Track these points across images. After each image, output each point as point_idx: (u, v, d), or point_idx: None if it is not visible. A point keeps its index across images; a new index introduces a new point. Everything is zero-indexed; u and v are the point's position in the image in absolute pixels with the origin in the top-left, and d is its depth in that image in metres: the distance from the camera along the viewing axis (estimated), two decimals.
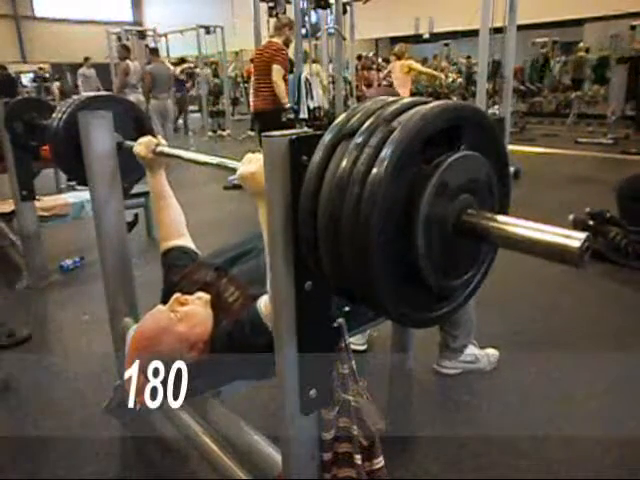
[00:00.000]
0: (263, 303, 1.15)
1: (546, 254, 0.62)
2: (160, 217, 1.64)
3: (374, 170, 0.63)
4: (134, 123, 1.84)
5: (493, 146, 0.77)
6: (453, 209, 0.69)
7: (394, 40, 12.32)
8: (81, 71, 8.42)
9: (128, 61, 7.56)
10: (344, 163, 0.66)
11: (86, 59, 10.29)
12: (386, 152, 0.63)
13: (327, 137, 0.71)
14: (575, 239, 0.59)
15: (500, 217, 0.69)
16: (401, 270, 0.68)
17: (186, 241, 1.64)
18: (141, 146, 1.55)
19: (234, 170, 1.12)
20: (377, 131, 0.66)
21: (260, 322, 1.13)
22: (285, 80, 4.64)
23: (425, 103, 0.70)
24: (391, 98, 0.74)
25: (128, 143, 1.68)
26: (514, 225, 0.66)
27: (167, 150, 1.54)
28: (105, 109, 1.64)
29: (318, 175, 0.70)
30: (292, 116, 4.62)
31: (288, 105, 4.62)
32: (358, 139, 0.67)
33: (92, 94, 1.85)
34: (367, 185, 0.63)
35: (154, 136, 1.60)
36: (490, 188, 0.75)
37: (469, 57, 12.42)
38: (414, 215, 0.65)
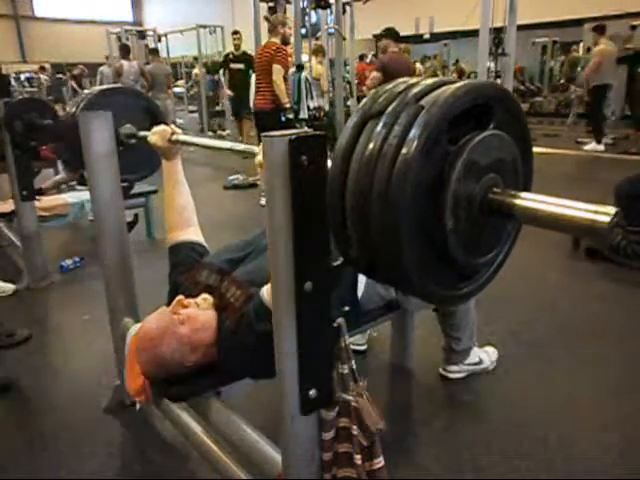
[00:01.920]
0: (266, 290, 1.15)
1: (575, 230, 0.63)
2: (171, 204, 1.61)
3: (404, 149, 0.63)
4: (146, 113, 1.83)
5: (518, 125, 0.77)
6: (480, 187, 0.69)
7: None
8: (101, 69, 8.50)
9: (122, 61, 7.54)
10: (372, 143, 0.66)
11: (107, 57, 10.31)
12: (415, 132, 0.63)
13: (353, 118, 0.70)
14: (604, 214, 0.59)
15: (526, 194, 0.69)
16: (429, 247, 0.69)
17: (195, 233, 1.62)
18: (156, 135, 1.54)
19: (245, 153, 1.16)
20: (405, 111, 0.65)
21: (265, 308, 1.13)
22: (285, 80, 4.63)
23: (450, 83, 0.70)
24: (414, 79, 0.74)
25: (142, 133, 1.68)
26: (541, 202, 0.65)
27: (183, 138, 1.54)
28: (118, 100, 1.67)
29: (345, 156, 0.69)
30: (292, 116, 4.60)
31: (288, 105, 4.61)
32: (386, 119, 0.66)
33: (106, 87, 1.85)
34: (397, 164, 0.63)
35: (167, 124, 1.60)
36: (515, 167, 0.75)
37: (457, 61, 12.56)
38: (443, 193, 0.65)
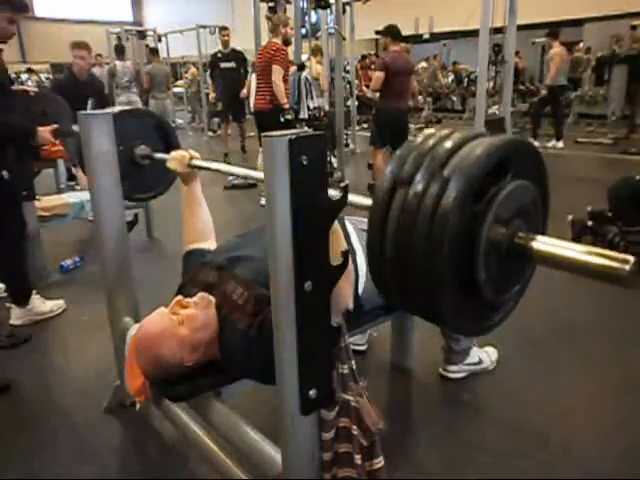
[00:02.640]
0: None
1: (596, 276, 0.68)
2: (189, 221, 1.65)
3: (439, 211, 0.70)
4: (158, 133, 1.88)
5: (538, 172, 0.84)
6: (507, 234, 0.75)
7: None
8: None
9: (116, 62, 7.48)
10: (406, 213, 0.73)
11: (99, 55, 10.28)
12: (446, 201, 0.70)
13: (384, 184, 0.77)
14: (625, 262, 0.64)
15: (548, 239, 0.74)
16: (463, 294, 0.76)
17: (210, 244, 1.63)
18: (175, 161, 1.58)
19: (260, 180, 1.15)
20: (433, 182, 0.72)
21: None
22: (285, 80, 4.62)
23: (471, 139, 0.76)
24: (438, 135, 0.79)
25: (159, 155, 1.72)
26: (564, 248, 0.71)
27: (201, 163, 1.57)
28: (132, 122, 1.74)
29: (381, 219, 0.76)
30: (290, 116, 4.59)
31: (287, 105, 4.60)
32: (416, 187, 0.73)
33: (119, 109, 1.88)
34: (435, 224, 0.70)
35: (177, 147, 1.61)
36: (536, 209, 0.82)
37: (455, 63, 12.65)
38: (475, 247, 0.73)
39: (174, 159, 1.58)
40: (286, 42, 4.65)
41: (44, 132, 2.38)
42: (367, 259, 0.82)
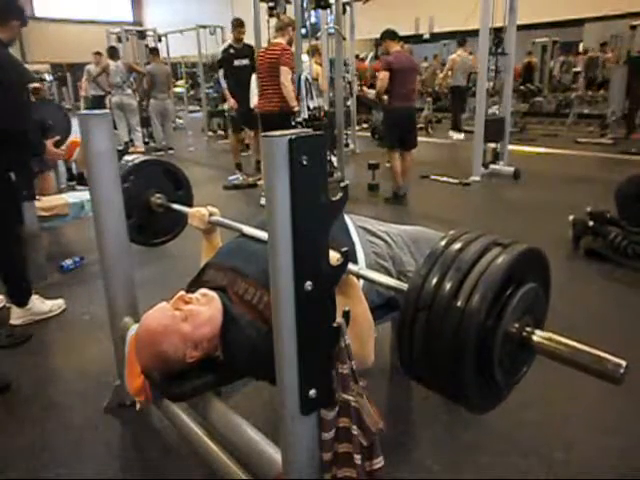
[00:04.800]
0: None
1: (591, 373, 0.80)
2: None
3: (468, 309, 0.82)
4: (172, 181, 1.96)
5: (543, 274, 0.96)
6: (518, 328, 0.87)
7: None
8: (88, 67, 8.53)
9: (110, 61, 7.43)
10: (441, 298, 0.84)
11: (98, 54, 10.29)
12: (474, 300, 0.81)
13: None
14: (618, 366, 0.76)
15: (552, 335, 0.87)
16: (480, 374, 0.87)
17: None
18: (196, 219, 1.66)
19: None
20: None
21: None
22: (292, 82, 4.49)
23: (489, 253, 0.86)
24: (454, 249, 0.89)
25: (176, 206, 1.82)
26: (565, 345, 0.84)
27: (220, 220, 1.65)
28: (149, 173, 1.87)
29: (416, 300, 0.87)
30: (300, 119, 4.49)
31: (297, 109, 4.51)
32: (449, 285, 0.84)
33: (142, 159, 1.94)
34: (464, 318, 0.82)
35: (189, 187, 1.66)
36: (540, 304, 0.95)
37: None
38: (493, 338, 0.84)
39: (194, 217, 1.67)
40: (290, 43, 4.60)
41: (50, 146, 2.59)
42: (396, 338, 0.93)
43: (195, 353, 1.26)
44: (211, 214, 1.66)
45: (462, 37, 8.61)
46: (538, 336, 0.88)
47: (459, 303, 0.82)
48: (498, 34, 5.59)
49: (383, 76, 4.58)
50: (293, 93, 4.46)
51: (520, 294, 0.87)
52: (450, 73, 8.69)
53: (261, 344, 1.19)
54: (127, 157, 1.93)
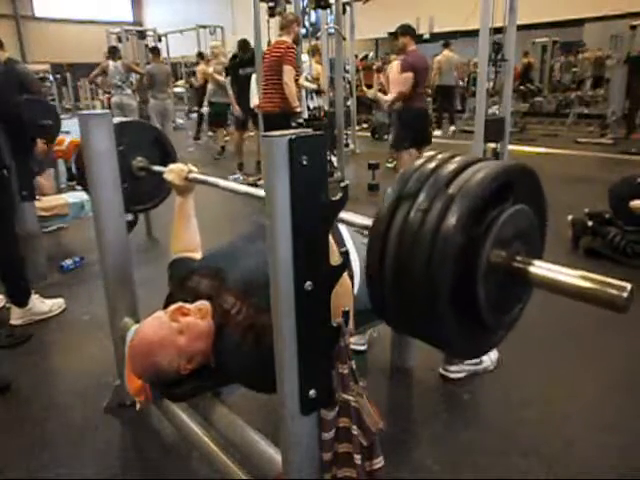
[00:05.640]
0: None
1: (593, 302, 0.68)
2: (179, 233, 1.66)
3: (442, 231, 0.70)
4: (157, 147, 1.89)
5: (537, 197, 0.86)
6: (506, 257, 0.76)
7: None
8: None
9: (109, 61, 7.39)
10: (410, 225, 0.73)
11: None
12: (450, 219, 0.70)
13: (388, 200, 0.77)
14: (622, 289, 0.65)
15: (547, 264, 0.75)
16: (462, 311, 0.76)
17: (196, 257, 1.62)
18: (173, 174, 1.58)
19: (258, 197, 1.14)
20: (438, 197, 0.72)
21: None
22: (296, 81, 4.44)
23: (474, 163, 0.76)
24: (440, 156, 0.80)
25: (156, 168, 1.73)
26: (562, 273, 0.72)
27: (199, 177, 1.58)
28: (129, 133, 1.74)
29: (384, 233, 0.76)
30: (302, 120, 4.44)
31: (299, 109, 4.44)
32: (421, 205, 0.73)
33: (122, 120, 1.88)
34: (437, 243, 0.70)
35: (175, 160, 1.60)
36: (534, 232, 0.83)
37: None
38: (475, 267, 0.72)
39: (172, 171, 1.59)
40: (295, 41, 4.52)
41: (40, 144, 2.76)
42: (366, 277, 0.81)
43: (189, 366, 1.25)
44: (190, 171, 1.58)
45: (446, 40, 9.26)
46: (528, 265, 0.76)
47: (434, 217, 0.70)
48: (497, 42, 5.56)
49: (407, 77, 4.29)
50: (295, 93, 4.41)
51: (508, 214, 0.75)
52: (437, 73, 9.08)
53: (240, 357, 1.19)
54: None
